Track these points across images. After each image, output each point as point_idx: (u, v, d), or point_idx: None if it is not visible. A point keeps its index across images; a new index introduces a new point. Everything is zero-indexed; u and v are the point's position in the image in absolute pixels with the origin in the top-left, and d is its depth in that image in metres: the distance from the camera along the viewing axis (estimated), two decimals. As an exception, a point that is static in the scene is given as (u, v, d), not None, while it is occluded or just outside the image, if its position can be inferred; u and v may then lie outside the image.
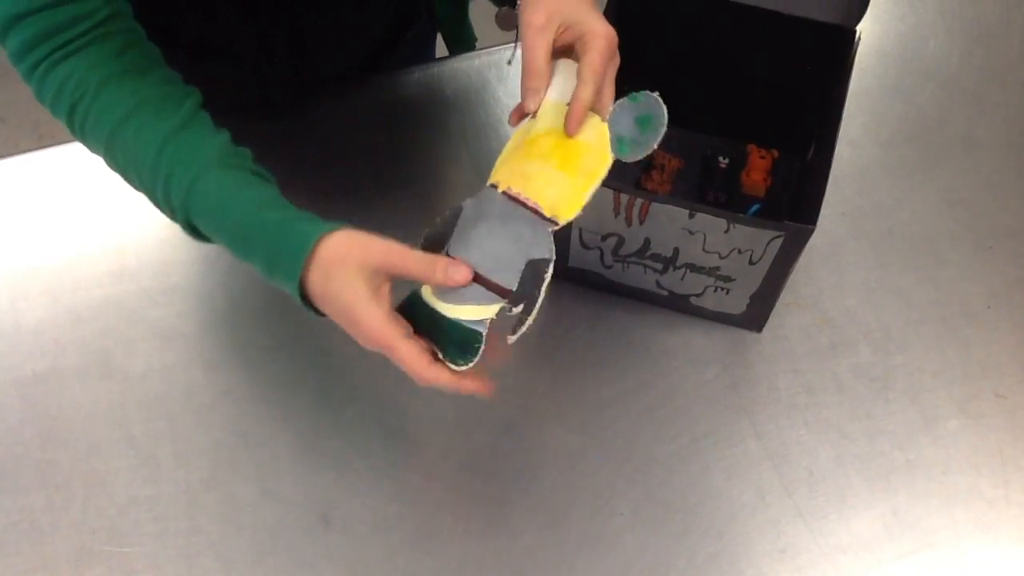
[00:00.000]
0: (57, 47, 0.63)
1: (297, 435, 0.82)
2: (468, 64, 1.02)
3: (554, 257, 0.63)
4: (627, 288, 0.87)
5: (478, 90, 1.01)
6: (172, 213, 0.66)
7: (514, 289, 0.62)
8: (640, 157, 0.65)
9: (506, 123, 0.98)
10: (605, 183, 0.73)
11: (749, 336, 0.87)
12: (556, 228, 0.63)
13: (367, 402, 0.83)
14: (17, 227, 0.92)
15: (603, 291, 0.88)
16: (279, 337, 0.86)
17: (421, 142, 0.97)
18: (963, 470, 0.81)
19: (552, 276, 0.86)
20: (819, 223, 0.71)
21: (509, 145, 0.67)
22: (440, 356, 0.63)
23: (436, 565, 0.76)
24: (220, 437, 0.82)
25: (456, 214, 0.64)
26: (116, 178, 0.69)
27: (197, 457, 0.81)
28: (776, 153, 0.93)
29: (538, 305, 0.62)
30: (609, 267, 0.84)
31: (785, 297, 0.86)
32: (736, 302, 0.83)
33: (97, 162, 0.68)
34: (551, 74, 0.65)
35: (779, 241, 0.73)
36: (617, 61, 0.66)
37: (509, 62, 1.02)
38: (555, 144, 0.64)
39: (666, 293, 0.85)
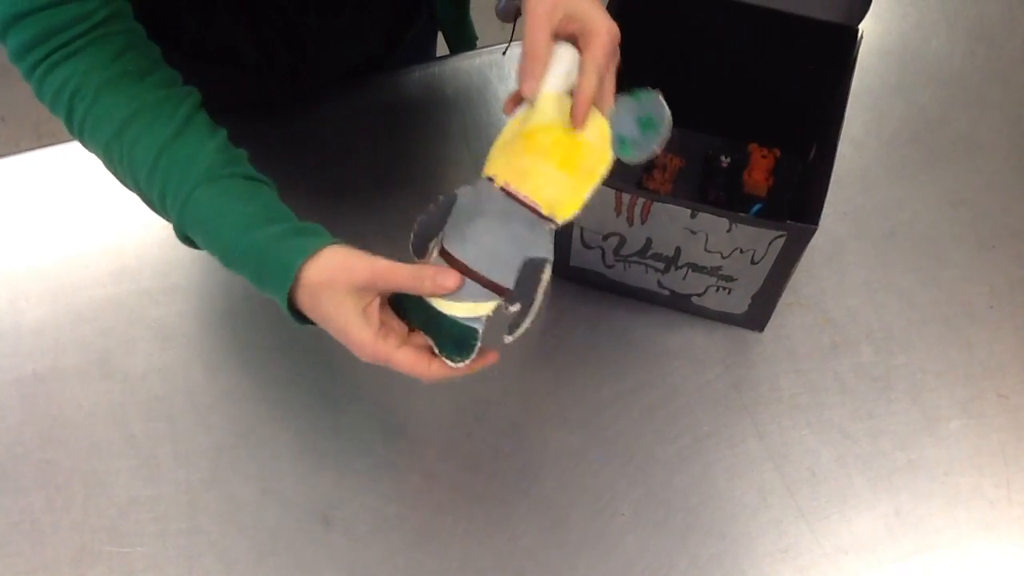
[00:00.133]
0: (55, 48, 0.63)
1: (298, 435, 0.82)
2: (469, 63, 1.02)
3: (552, 257, 0.62)
4: (629, 288, 0.86)
5: (479, 89, 1.01)
6: (170, 222, 0.66)
7: (511, 287, 0.61)
8: (643, 159, 0.64)
9: (506, 122, 0.98)
10: (606, 183, 0.73)
11: (751, 336, 0.87)
12: (554, 228, 0.62)
13: (368, 402, 0.83)
14: (17, 227, 0.92)
15: (604, 291, 0.88)
16: (280, 337, 0.86)
17: (422, 142, 0.97)
18: (965, 470, 0.81)
19: (553, 275, 0.86)
20: (821, 223, 0.70)
21: (504, 134, 0.65)
22: (436, 351, 0.63)
23: (437, 565, 0.76)
24: (221, 437, 0.81)
25: (450, 202, 0.63)
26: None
27: (198, 457, 0.80)
28: (778, 152, 0.92)
29: (536, 305, 0.62)
30: (610, 267, 0.84)
31: (787, 297, 0.85)
32: (738, 302, 0.83)
33: (97, 163, 0.68)
34: (550, 61, 0.63)
35: (781, 241, 0.73)
36: (618, 57, 0.65)
37: (504, 52, 1.01)
38: (555, 140, 0.62)
39: (668, 293, 0.85)
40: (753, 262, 0.76)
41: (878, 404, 0.84)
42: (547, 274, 0.62)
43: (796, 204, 0.91)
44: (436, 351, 0.63)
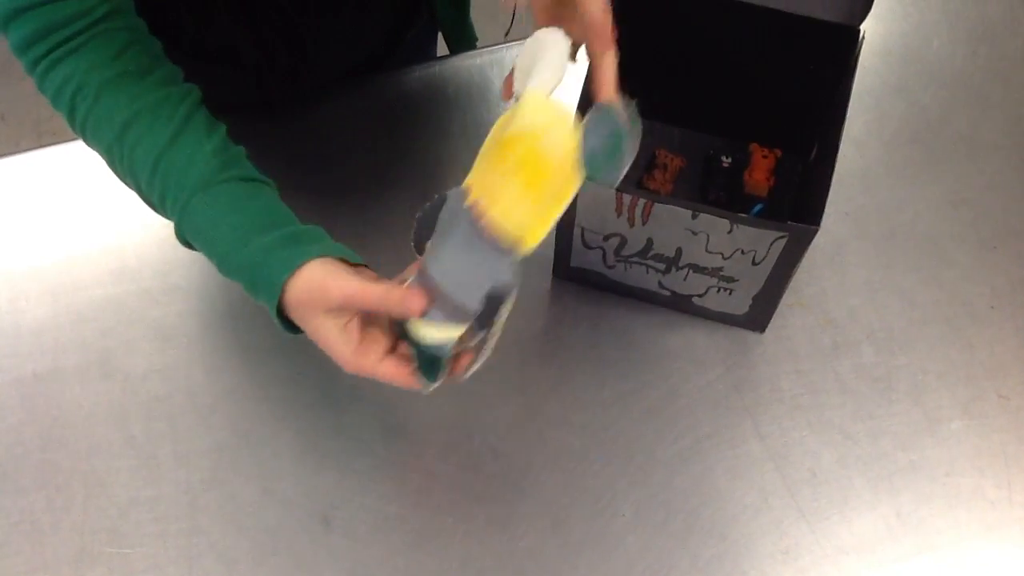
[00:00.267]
0: (57, 44, 0.63)
1: (298, 435, 0.82)
2: (469, 63, 1.02)
3: (516, 284, 0.59)
4: (629, 288, 0.86)
5: (479, 89, 1.00)
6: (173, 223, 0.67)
7: (475, 313, 0.59)
8: (613, 183, 0.57)
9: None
10: (607, 183, 0.73)
11: (752, 337, 0.87)
12: (523, 254, 0.58)
13: (368, 402, 0.83)
14: (17, 226, 0.92)
15: (605, 291, 0.88)
16: (280, 337, 0.85)
17: (422, 141, 0.97)
18: (966, 471, 0.81)
19: (553, 275, 0.86)
20: (822, 223, 0.70)
21: (491, 134, 0.60)
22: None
23: (437, 566, 0.76)
24: (221, 437, 0.81)
25: (441, 202, 0.60)
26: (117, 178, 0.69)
27: (198, 457, 0.80)
28: (779, 153, 0.92)
29: (492, 339, 0.61)
30: (611, 267, 0.84)
31: (788, 298, 0.85)
32: (739, 303, 0.83)
33: (98, 162, 0.68)
34: (536, 50, 0.60)
35: (782, 242, 0.73)
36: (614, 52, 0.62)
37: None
38: (525, 153, 0.56)
39: (668, 293, 0.85)
40: (754, 263, 0.76)
41: (879, 405, 0.84)
42: (509, 304, 0.60)
43: (797, 204, 0.91)
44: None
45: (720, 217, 0.72)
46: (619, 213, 0.76)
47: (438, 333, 0.61)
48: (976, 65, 1.03)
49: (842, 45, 0.81)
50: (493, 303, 0.59)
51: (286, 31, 0.90)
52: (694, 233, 0.75)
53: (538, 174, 0.56)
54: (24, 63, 0.65)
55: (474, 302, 0.59)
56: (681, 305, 0.86)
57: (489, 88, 1.00)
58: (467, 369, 0.64)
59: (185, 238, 0.66)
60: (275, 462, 0.80)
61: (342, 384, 0.84)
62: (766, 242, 0.73)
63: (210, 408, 0.83)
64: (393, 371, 0.63)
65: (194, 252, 0.68)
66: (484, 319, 0.60)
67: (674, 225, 0.75)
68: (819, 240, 0.72)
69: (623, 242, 0.80)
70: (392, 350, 0.64)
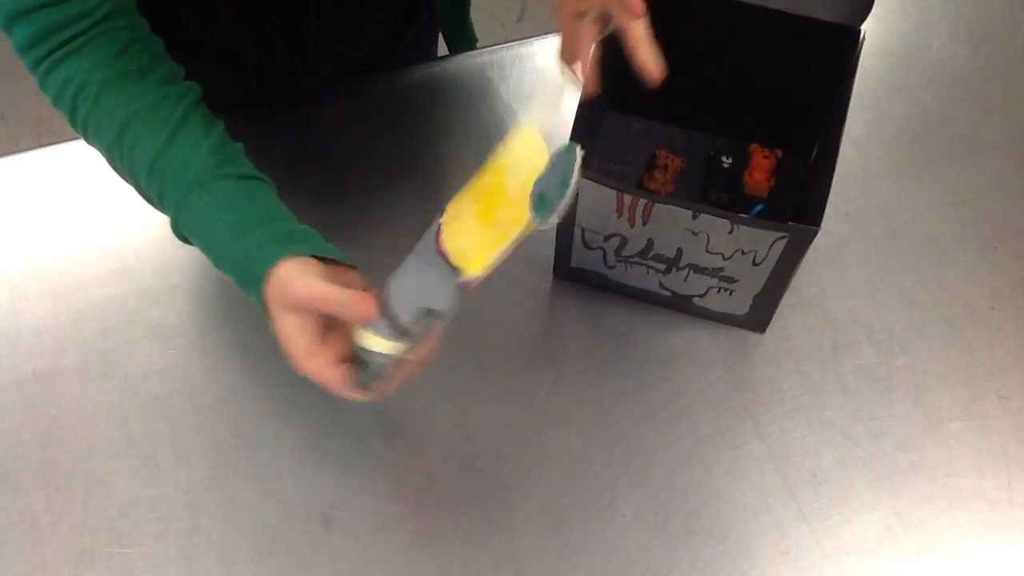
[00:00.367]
0: (59, 45, 0.64)
1: (298, 435, 0.81)
2: (469, 63, 1.02)
3: (448, 310, 0.59)
4: (630, 289, 0.86)
5: (479, 89, 1.00)
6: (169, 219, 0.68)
7: (406, 326, 0.60)
8: (551, 224, 0.56)
9: (508, 121, 0.98)
10: (607, 184, 0.73)
11: (752, 337, 0.87)
12: (463, 282, 0.58)
13: (368, 403, 0.83)
14: (17, 226, 0.92)
15: (606, 292, 0.88)
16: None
17: (422, 141, 0.97)
18: (966, 472, 0.81)
19: (554, 276, 0.86)
20: (822, 224, 0.70)
21: (488, 159, 0.61)
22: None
23: (437, 566, 0.76)
24: (221, 437, 0.81)
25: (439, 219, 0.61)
26: (117, 177, 0.69)
27: (198, 457, 0.80)
28: (779, 153, 0.92)
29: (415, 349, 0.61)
30: (612, 267, 0.84)
31: (788, 298, 0.85)
32: (739, 303, 0.83)
33: (98, 161, 0.68)
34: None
35: (783, 242, 0.73)
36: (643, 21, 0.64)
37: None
38: (490, 183, 0.58)
39: (669, 294, 0.85)
40: (755, 263, 0.76)
41: (879, 405, 0.83)
42: (439, 327, 0.61)
43: (798, 205, 0.91)
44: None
45: (721, 217, 0.72)
46: (620, 213, 0.76)
47: (374, 343, 0.61)
48: (977, 65, 1.03)
49: (843, 45, 0.81)
50: (424, 322, 0.60)
51: (287, 31, 0.90)
52: (695, 233, 0.75)
53: (493, 204, 0.58)
54: (26, 62, 0.66)
55: (407, 316, 0.60)
56: (681, 305, 0.86)
57: (489, 88, 1.00)
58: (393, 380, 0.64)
59: (182, 233, 0.67)
60: (275, 462, 0.80)
61: (342, 384, 0.84)
62: (767, 242, 0.73)
63: (210, 408, 0.83)
64: (335, 377, 0.62)
65: (194, 252, 0.68)
66: (414, 335, 0.60)
67: (675, 225, 0.75)
68: (819, 240, 0.72)
69: (623, 242, 0.80)
70: (347, 360, 0.64)
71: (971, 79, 1.02)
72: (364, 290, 0.62)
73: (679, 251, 0.78)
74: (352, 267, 0.65)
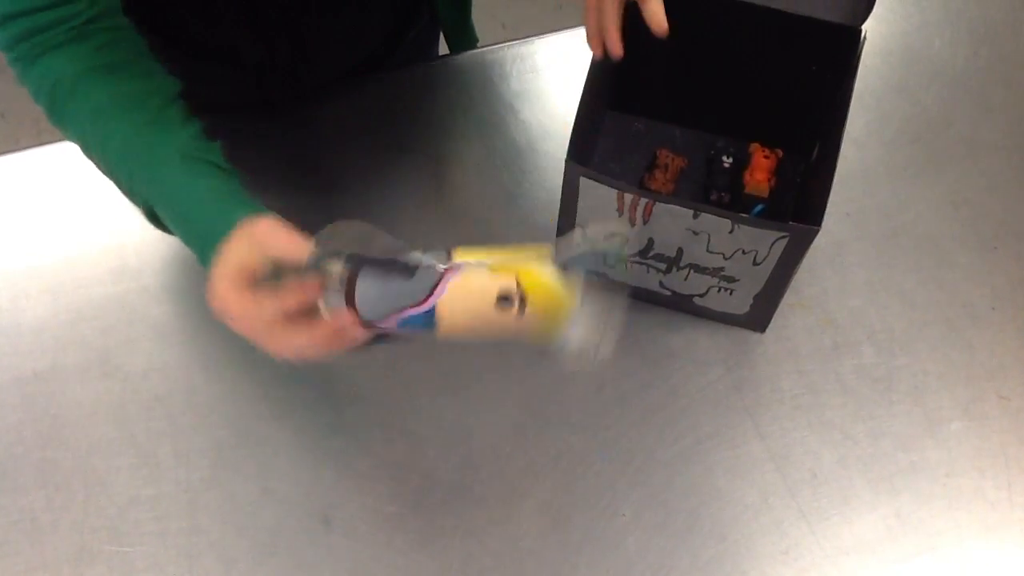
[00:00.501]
0: (39, 44, 0.65)
1: (298, 435, 0.81)
2: (470, 63, 1.02)
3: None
4: (630, 288, 0.86)
5: (480, 89, 1.00)
6: (138, 205, 0.68)
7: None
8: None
9: (508, 120, 0.98)
10: (608, 183, 0.73)
11: (752, 337, 0.87)
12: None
13: (368, 402, 0.83)
14: (17, 225, 0.92)
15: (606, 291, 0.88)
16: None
17: (422, 141, 0.97)
18: (966, 472, 0.81)
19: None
20: (823, 224, 0.70)
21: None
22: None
23: (437, 566, 0.76)
24: (221, 436, 0.81)
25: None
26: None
27: (198, 456, 0.80)
28: (780, 153, 0.92)
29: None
30: (612, 267, 0.84)
31: (789, 298, 0.85)
32: (740, 303, 0.83)
33: (98, 160, 0.68)
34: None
35: (784, 242, 0.73)
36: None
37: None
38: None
39: (669, 293, 0.85)
40: (755, 263, 0.76)
41: (879, 405, 0.83)
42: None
43: (798, 205, 0.91)
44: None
45: (721, 217, 0.72)
46: (620, 213, 0.76)
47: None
48: (977, 66, 1.03)
49: (844, 45, 0.81)
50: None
51: (287, 30, 0.90)
52: (695, 233, 0.75)
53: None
54: (7, 58, 0.67)
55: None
56: (682, 305, 0.86)
57: (489, 88, 1.00)
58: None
59: (152, 209, 0.66)
60: (275, 462, 0.80)
61: (342, 384, 0.84)
62: (767, 242, 0.73)
63: (210, 407, 0.83)
64: (246, 308, 0.60)
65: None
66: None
67: (675, 225, 0.75)
68: (820, 240, 0.72)
69: (624, 242, 0.80)
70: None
71: (972, 79, 1.02)
72: None
73: (680, 251, 0.78)
74: None
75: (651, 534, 0.77)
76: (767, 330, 0.87)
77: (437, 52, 1.12)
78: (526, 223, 0.91)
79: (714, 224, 0.73)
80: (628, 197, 0.74)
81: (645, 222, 0.76)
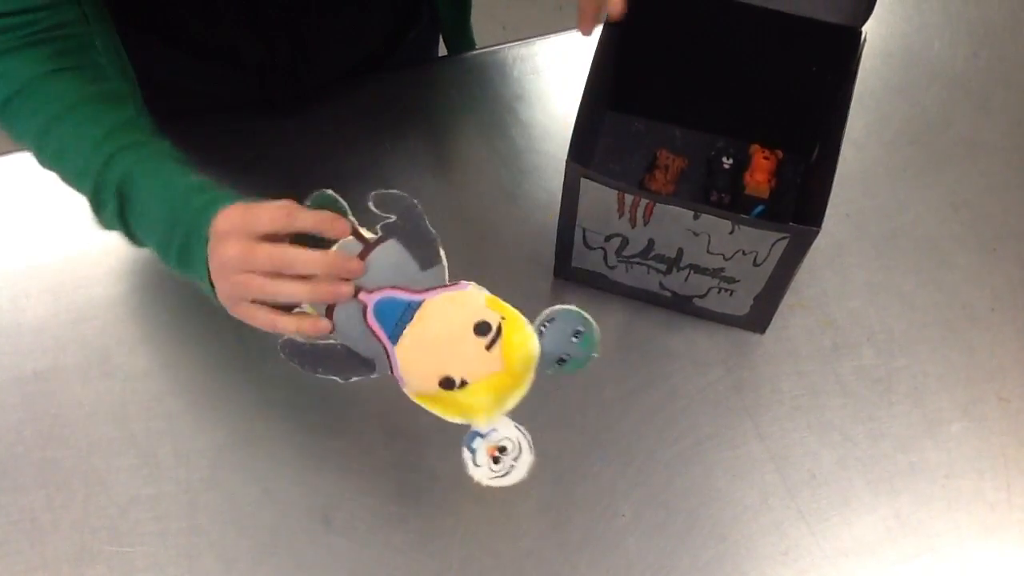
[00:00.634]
0: None
1: (298, 435, 0.81)
2: (469, 63, 1.02)
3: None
4: (630, 289, 0.86)
5: (479, 89, 1.00)
6: (99, 213, 0.68)
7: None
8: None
9: (508, 121, 0.98)
10: (609, 184, 0.73)
11: (752, 338, 0.87)
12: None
13: (368, 402, 0.83)
14: (18, 224, 0.92)
15: (606, 292, 0.88)
16: (280, 337, 0.85)
17: (421, 141, 0.97)
18: (966, 473, 0.81)
19: (554, 276, 0.86)
20: (823, 225, 0.70)
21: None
22: None
23: (437, 566, 0.76)
24: (221, 436, 0.81)
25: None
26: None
27: (198, 456, 0.80)
28: (780, 154, 0.92)
29: None
30: (612, 268, 0.84)
31: (788, 299, 0.85)
32: (740, 303, 0.83)
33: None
34: None
35: (784, 243, 0.73)
36: None
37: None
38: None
39: (669, 294, 0.85)
40: (755, 264, 0.76)
41: (879, 406, 0.84)
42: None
43: (798, 206, 0.91)
44: None
45: (722, 218, 0.72)
46: (621, 213, 0.76)
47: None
48: (977, 67, 1.03)
49: (844, 46, 0.81)
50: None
51: (288, 30, 0.90)
52: (695, 234, 0.75)
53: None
54: None
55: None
56: (682, 306, 0.86)
57: (489, 89, 1.00)
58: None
59: (112, 199, 0.66)
60: (275, 461, 0.80)
61: (342, 384, 0.84)
62: (767, 243, 0.73)
63: (210, 407, 0.83)
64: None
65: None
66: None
67: (675, 226, 0.75)
68: (819, 241, 0.72)
69: (624, 242, 0.80)
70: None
71: (971, 80, 1.02)
72: None
73: (680, 251, 0.78)
74: None
75: (651, 534, 0.78)
76: (767, 331, 0.87)
77: (437, 52, 1.12)
78: (526, 223, 0.91)
79: (714, 225, 0.73)
80: (628, 198, 0.74)
81: (645, 223, 0.76)
